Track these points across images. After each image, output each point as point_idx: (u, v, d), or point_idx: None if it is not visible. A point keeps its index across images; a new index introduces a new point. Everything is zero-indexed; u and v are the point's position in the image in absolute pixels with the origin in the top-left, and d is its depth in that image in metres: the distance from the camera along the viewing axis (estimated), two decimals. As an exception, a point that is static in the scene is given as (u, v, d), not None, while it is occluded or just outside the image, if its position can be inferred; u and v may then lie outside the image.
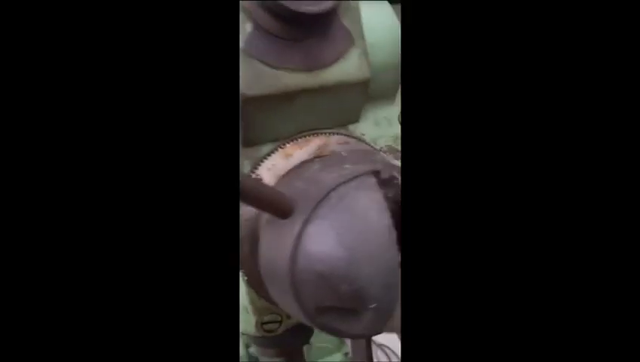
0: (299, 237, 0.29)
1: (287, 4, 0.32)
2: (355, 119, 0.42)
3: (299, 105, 0.38)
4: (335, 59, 0.37)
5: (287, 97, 0.36)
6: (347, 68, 0.37)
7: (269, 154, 0.40)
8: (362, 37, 0.38)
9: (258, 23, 0.34)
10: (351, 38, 0.37)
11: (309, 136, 0.41)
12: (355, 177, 0.31)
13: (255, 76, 0.35)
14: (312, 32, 0.35)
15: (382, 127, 0.43)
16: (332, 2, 0.33)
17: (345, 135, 0.42)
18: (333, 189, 0.30)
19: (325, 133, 0.41)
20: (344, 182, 0.30)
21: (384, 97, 0.42)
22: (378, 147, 0.43)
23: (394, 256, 0.28)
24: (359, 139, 0.42)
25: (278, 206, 0.31)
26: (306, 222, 0.29)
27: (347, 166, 0.32)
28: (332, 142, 0.42)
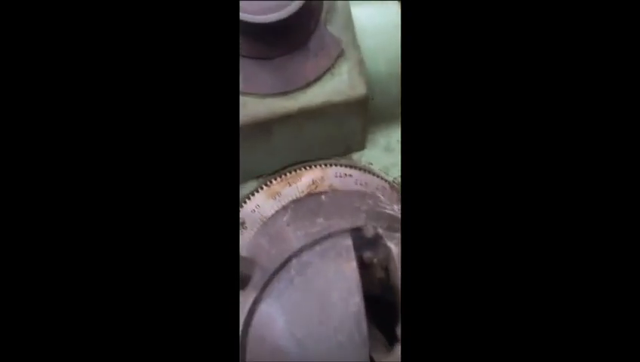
0: (250, 315, 0.23)
1: (244, 16, 0.25)
2: (359, 146, 0.34)
3: (279, 135, 0.31)
4: (318, 77, 0.30)
5: (262, 128, 0.30)
6: (335, 85, 0.30)
7: (252, 193, 0.34)
8: (355, 44, 0.30)
9: None
10: (338, 48, 0.30)
11: (300, 169, 0.34)
12: (326, 238, 0.23)
13: None
14: (283, 46, 0.28)
15: (395, 153, 0.35)
16: (296, 5, 0.26)
17: (347, 165, 0.34)
18: (295, 255, 0.23)
19: (321, 165, 0.34)
20: (309, 246, 0.23)
21: (395, 116, 0.34)
22: (391, 178, 0.35)
23: (361, 354, 0.20)
24: (365, 170, 0.35)
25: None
26: (258, 300, 0.23)
27: (320, 220, 0.25)
28: (329, 175, 0.34)
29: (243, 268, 0.24)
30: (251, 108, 0.29)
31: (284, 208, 0.28)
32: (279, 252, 0.23)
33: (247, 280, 0.24)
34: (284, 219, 0.26)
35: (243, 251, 0.28)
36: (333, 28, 0.30)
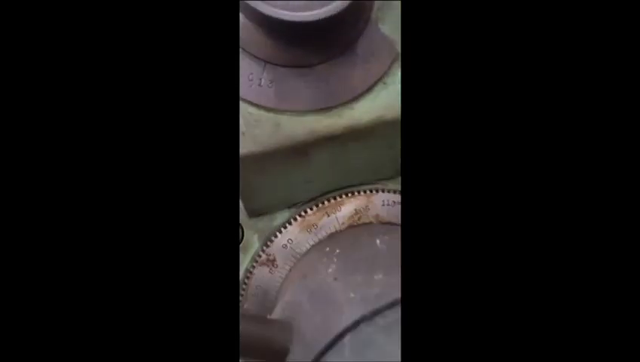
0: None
1: (276, 12, 0.20)
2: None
3: (318, 158, 0.26)
4: (367, 88, 0.24)
5: (298, 151, 0.25)
6: (389, 98, 0.24)
7: (283, 226, 0.29)
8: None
9: (246, 50, 0.23)
10: (393, 52, 0.24)
11: (341, 196, 0.29)
12: (391, 307, 0.18)
13: (249, 126, 0.24)
14: (326, 50, 0.23)
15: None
16: (345, 1, 0.20)
17: (396, 191, 0.29)
18: (350, 330, 0.18)
19: (366, 191, 0.29)
20: (369, 317, 0.18)
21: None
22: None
23: None
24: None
25: (267, 352, 0.19)
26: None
27: (379, 276, 0.19)
28: (375, 203, 0.29)
29: (278, 335, 0.19)
30: (287, 128, 0.24)
31: (327, 253, 0.23)
32: (327, 320, 0.18)
33: (283, 353, 0.19)
34: (330, 270, 0.21)
35: (277, 309, 0.23)
36: (387, 27, 0.24)
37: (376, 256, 0.21)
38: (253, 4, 0.20)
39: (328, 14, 0.20)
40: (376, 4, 0.24)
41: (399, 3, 0.25)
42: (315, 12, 0.20)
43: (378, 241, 0.22)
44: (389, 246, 0.22)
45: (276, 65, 0.23)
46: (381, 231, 0.24)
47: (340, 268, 0.21)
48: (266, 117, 0.24)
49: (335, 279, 0.21)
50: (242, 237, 0.28)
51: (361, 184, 0.28)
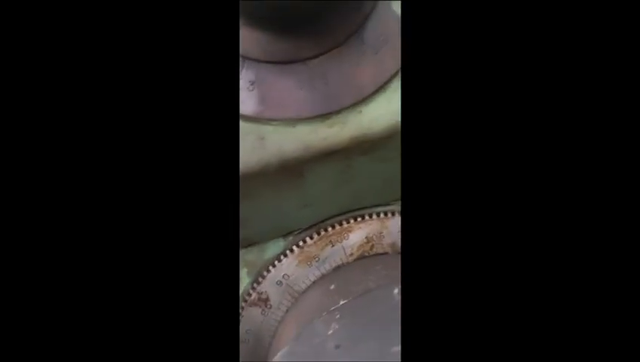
0: None
1: None
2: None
3: (315, 178, 0.20)
4: (379, 86, 0.19)
5: (290, 170, 0.19)
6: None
7: (278, 258, 0.23)
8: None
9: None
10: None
11: (348, 220, 0.23)
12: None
13: None
14: (322, 39, 0.17)
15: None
16: None
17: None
18: None
19: (379, 214, 0.23)
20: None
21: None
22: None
23: None
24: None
25: None
26: None
27: (396, 348, 0.14)
28: (391, 228, 0.24)
29: None
30: (274, 142, 0.18)
31: (332, 293, 0.18)
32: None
33: None
34: (330, 331, 0.16)
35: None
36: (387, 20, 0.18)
37: (394, 313, 0.16)
38: None
39: None
40: None
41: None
42: None
43: (396, 291, 0.17)
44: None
45: (258, 61, 0.18)
46: (394, 281, 0.19)
47: (345, 329, 0.16)
48: (247, 128, 0.18)
49: (337, 347, 0.15)
50: (228, 272, 0.24)
51: (374, 206, 0.23)
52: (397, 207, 0.23)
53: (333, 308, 0.17)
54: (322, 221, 0.23)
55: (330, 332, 0.16)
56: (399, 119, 0.19)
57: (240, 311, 0.23)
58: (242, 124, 0.18)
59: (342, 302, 0.17)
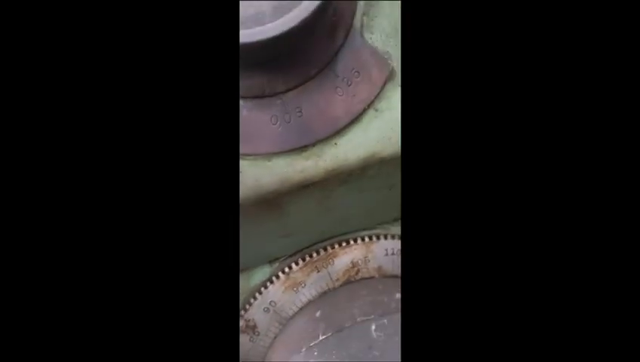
0: None
1: None
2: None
3: (296, 210, 0.20)
4: (354, 117, 0.19)
5: (268, 204, 0.19)
6: (383, 128, 0.18)
7: (264, 285, 0.23)
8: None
9: None
10: (386, 69, 0.18)
11: (332, 246, 0.23)
12: None
13: None
14: (295, 72, 0.17)
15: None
16: (308, 5, 0.14)
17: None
18: None
19: (364, 238, 0.23)
20: None
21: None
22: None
23: None
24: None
25: None
26: None
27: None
28: (376, 252, 0.24)
29: None
30: (249, 177, 0.18)
31: (317, 321, 0.18)
32: None
33: None
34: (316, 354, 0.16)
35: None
36: (377, 36, 0.18)
37: (370, 350, 0.16)
38: None
39: (289, 26, 0.15)
40: (360, 5, 0.18)
41: (393, 3, 0.19)
42: (270, 25, 0.15)
43: (373, 328, 0.17)
44: (386, 337, 0.16)
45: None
46: (379, 306, 0.19)
47: (333, 345, 0.16)
48: (223, 164, 0.18)
49: None
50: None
51: (358, 230, 0.23)
52: (382, 230, 0.23)
53: (312, 343, 0.17)
54: (307, 247, 0.23)
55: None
56: (375, 150, 0.19)
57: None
58: (218, 160, 0.18)
59: (321, 338, 0.17)
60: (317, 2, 0.14)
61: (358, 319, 0.20)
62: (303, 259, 0.22)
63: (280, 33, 0.14)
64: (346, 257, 0.23)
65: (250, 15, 0.15)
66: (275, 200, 0.19)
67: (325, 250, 0.22)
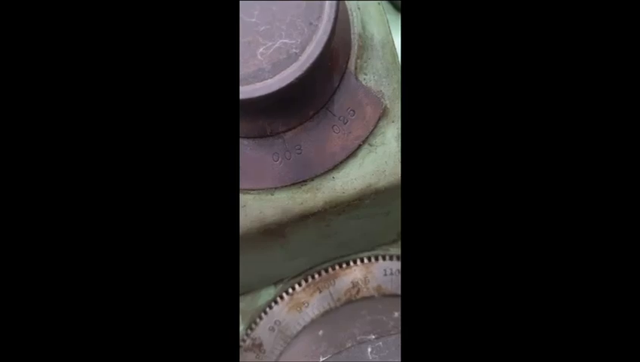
0: None
1: None
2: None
3: (297, 238, 0.22)
4: (350, 153, 0.20)
5: (272, 233, 0.21)
6: (378, 162, 0.20)
7: (269, 305, 0.25)
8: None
9: None
10: (379, 107, 0.20)
11: (333, 267, 0.24)
12: None
13: None
14: (294, 114, 0.19)
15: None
16: (308, 58, 0.16)
17: (400, 257, 0.25)
18: None
19: (363, 259, 0.25)
20: None
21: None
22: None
23: None
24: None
25: None
26: None
27: None
28: (376, 273, 0.25)
29: None
30: (254, 209, 0.20)
31: (320, 340, 0.19)
32: None
33: None
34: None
35: None
36: (370, 77, 0.20)
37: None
38: None
39: (288, 81, 0.16)
40: (354, 50, 0.19)
41: (386, 41, 0.20)
42: (269, 81, 0.16)
43: (370, 350, 0.18)
44: (381, 359, 0.18)
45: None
46: (378, 325, 0.20)
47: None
48: (229, 198, 0.20)
49: None
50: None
51: (358, 252, 0.24)
52: (381, 251, 0.25)
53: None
54: (309, 268, 0.24)
55: None
56: (370, 181, 0.20)
57: (237, 355, 0.25)
58: (225, 195, 0.20)
59: (321, 360, 0.18)
60: (313, 59, 0.16)
61: (358, 338, 0.21)
62: (306, 280, 0.24)
63: (279, 88, 0.16)
64: (346, 278, 0.24)
65: (251, 72, 0.16)
66: (278, 229, 0.20)
67: (327, 271, 0.24)
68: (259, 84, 0.16)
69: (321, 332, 0.23)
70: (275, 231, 0.20)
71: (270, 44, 0.16)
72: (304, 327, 0.24)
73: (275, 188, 0.19)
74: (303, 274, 0.24)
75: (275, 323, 0.24)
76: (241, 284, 0.24)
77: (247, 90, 0.16)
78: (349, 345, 0.20)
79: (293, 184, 0.20)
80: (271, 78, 0.16)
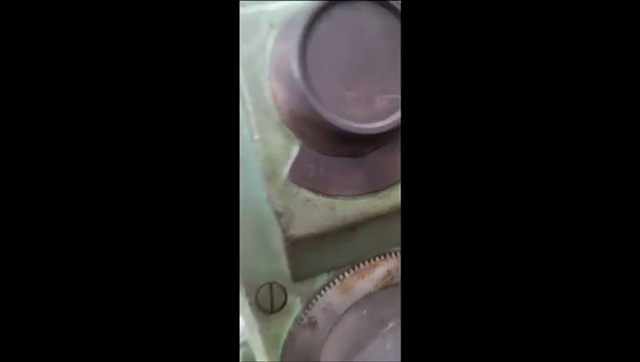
0: None
1: (342, 124, 0.22)
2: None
3: (364, 232, 0.28)
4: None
5: (348, 228, 0.27)
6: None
7: (324, 288, 0.31)
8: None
9: (307, 142, 0.24)
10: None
11: (374, 258, 0.31)
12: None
13: (305, 210, 0.25)
14: (374, 142, 0.25)
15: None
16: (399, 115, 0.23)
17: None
18: None
19: (396, 252, 0.32)
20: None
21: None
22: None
23: None
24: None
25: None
26: None
27: None
28: (405, 263, 0.32)
29: None
30: (340, 211, 0.26)
31: (364, 318, 0.25)
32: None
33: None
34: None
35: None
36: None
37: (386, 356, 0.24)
38: (328, 117, 0.22)
39: (391, 127, 0.23)
40: None
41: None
42: (379, 124, 0.23)
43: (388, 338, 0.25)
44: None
45: (330, 155, 0.25)
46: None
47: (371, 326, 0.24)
48: (323, 201, 0.26)
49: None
50: (285, 302, 0.30)
51: (395, 246, 0.31)
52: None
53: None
54: (355, 260, 0.30)
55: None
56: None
57: (295, 332, 0.30)
58: (320, 198, 0.25)
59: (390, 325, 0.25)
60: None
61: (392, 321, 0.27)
62: (353, 269, 0.30)
63: (385, 129, 0.22)
64: (383, 267, 0.30)
65: (363, 115, 0.22)
66: (353, 226, 0.26)
67: (369, 261, 0.30)
68: (372, 126, 0.22)
69: (365, 311, 0.29)
70: (350, 227, 0.26)
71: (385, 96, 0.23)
72: (349, 308, 0.30)
73: (359, 195, 0.26)
74: (351, 264, 0.30)
75: (328, 304, 0.30)
76: (304, 273, 0.29)
77: (364, 128, 0.22)
78: (392, 324, 0.27)
79: (371, 192, 0.26)
80: (382, 121, 0.22)
